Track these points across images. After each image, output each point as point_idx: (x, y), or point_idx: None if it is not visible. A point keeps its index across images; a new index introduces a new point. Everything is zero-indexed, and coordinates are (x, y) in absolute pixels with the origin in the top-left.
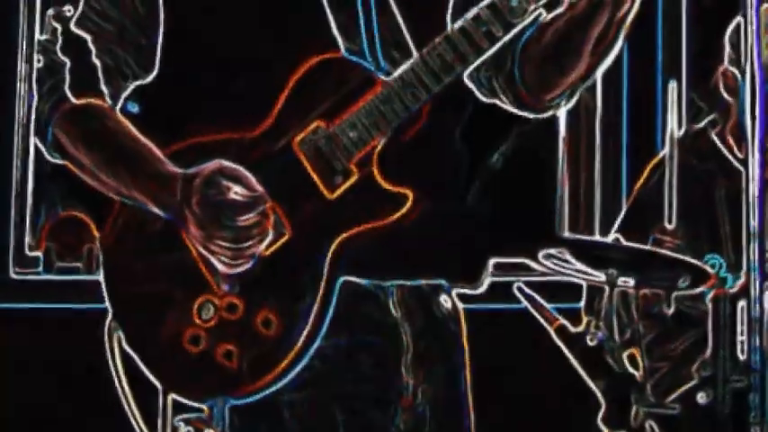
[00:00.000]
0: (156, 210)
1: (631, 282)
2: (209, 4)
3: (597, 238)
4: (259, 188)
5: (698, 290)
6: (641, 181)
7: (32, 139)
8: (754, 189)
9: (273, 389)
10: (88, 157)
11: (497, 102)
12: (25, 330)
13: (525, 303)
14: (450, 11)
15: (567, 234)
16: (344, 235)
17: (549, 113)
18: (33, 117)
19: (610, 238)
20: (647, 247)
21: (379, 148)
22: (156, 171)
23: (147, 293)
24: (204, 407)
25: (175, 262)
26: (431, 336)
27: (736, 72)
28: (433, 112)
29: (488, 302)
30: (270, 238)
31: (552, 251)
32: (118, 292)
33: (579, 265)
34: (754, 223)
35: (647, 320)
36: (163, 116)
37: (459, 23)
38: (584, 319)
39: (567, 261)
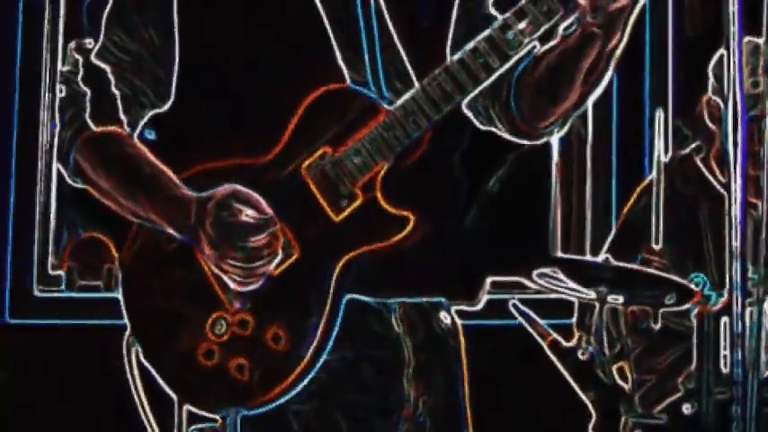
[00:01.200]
0: (171, 231)
1: (620, 299)
2: (223, 37)
3: (588, 257)
4: (269, 211)
5: (683, 307)
6: (630, 204)
7: (55, 165)
8: (736, 211)
9: (283, 400)
10: (108, 182)
11: (494, 129)
12: (49, 345)
13: (520, 319)
14: (449, 44)
15: (559, 254)
16: (350, 255)
17: (543, 140)
18: (56, 144)
19: (600, 258)
20: (636, 267)
21: (383, 172)
22: (172, 194)
23: (163, 310)
24: (217, 417)
25: (190, 280)
26: (431, 350)
27: (720, 101)
28: (434, 138)
29: (485, 318)
30: (279, 257)
31: (546, 270)
32: (136, 309)
33: (571, 284)
34: (737, 244)
35: (636, 335)
36: (178, 143)
37: (458, 55)
38: (576, 335)
39: (559, 279)
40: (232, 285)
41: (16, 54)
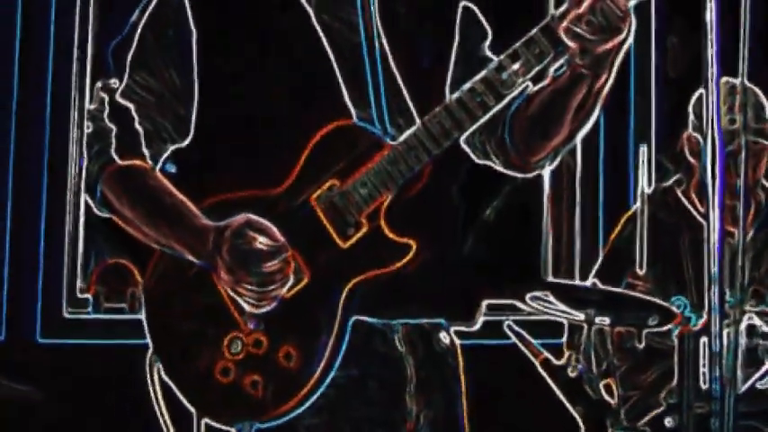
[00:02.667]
0: (191, 257)
1: (607, 320)
2: (239, 77)
3: (577, 282)
4: (281, 238)
5: (665, 327)
6: (616, 232)
7: (83, 196)
8: (714, 239)
9: (294, 414)
10: (132, 212)
11: (490, 163)
12: (77, 363)
13: (514, 339)
14: (448, 83)
15: (550, 278)
16: (356, 280)
17: (535, 173)
18: (84, 176)
19: (588, 283)
20: (621, 290)
21: (387, 203)
22: (192, 224)
23: (183, 330)
24: (233, 430)
25: (208, 303)
26: (431, 367)
27: (699, 137)
28: (434, 172)
29: (482, 338)
30: (291, 282)
31: (538, 293)
32: (158, 330)
33: (561, 306)
34: (715, 269)
35: (621, 354)
36: (197, 175)
37: (456, 95)
38: (566, 353)
39: (550, 302)
40: (247, 308)
41: (47, 93)
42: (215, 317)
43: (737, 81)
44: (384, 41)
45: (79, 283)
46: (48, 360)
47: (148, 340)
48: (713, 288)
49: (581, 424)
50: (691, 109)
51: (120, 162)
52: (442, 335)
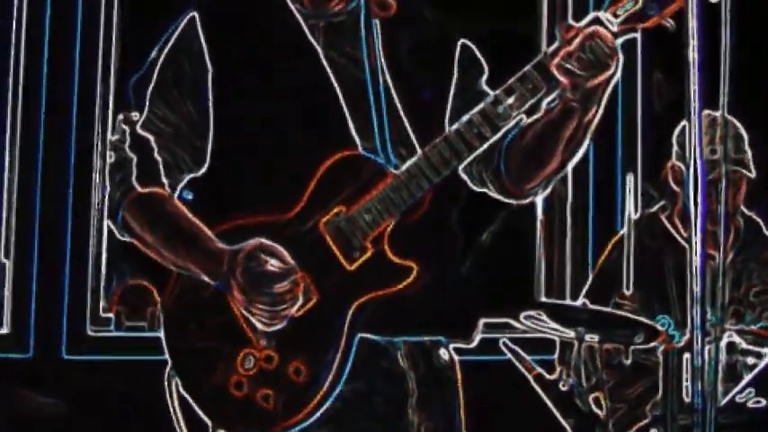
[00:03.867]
0: (206, 279)
1: (596, 338)
2: (251, 110)
3: (568, 302)
4: (291, 261)
5: (651, 345)
6: (604, 255)
7: (106, 222)
8: (696, 262)
9: (303, 425)
10: (151, 236)
11: (486, 190)
12: (100, 378)
13: (509, 356)
14: (447, 116)
15: (543, 299)
16: (361, 300)
17: (529, 200)
18: (107, 203)
19: (578, 302)
20: (609, 310)
21: (390, 228)
22: (207, 247)
23: (199, 347)
24: None
25: (222, 321)
26: (432, 382)
27: (682, 166)
28: (434, 198)
29: (479, 355)
30: (300, 302)
31: (531, 313)
32: (175, 346)
33: (553, 324)
34: (697, 290)
35: (609, 369)
36: (212, 202)
37: (455, 126)
38: (558, 369)
39: (543, 321)
40: (259, 326)
41: (72, 126)
42: (229, 334)
43: (718, 114)
44: (387, 77)
45: (102, 303)
46: (72, 375)
47: (167, 356)
48: (695, 307)
49: None
50: (674, 140)
51: (140, 190)
52: (442, 351)
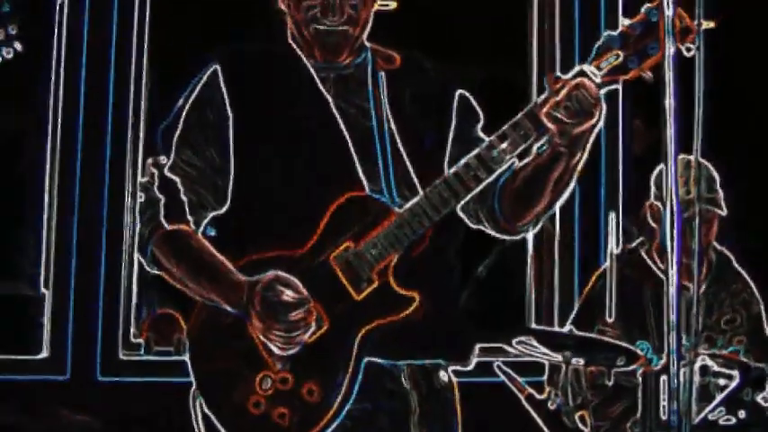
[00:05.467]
0: (227, 308)
1: (581, 361)
2: (268, 154)
3: (556, 328)
4: (305, 292)
5: (631, 367)
6: (589, 286)
7: (136, 256)
8: (672, 292)
9: None
10: (178, 269)
11: (482, 227)
12: (131, 397)
13: (503, 377)
14: (446, 160)
15: (533, 325)
16: (368, 327)
17: (520, 236)
18: (137, 239)
19: (565, 329)
20: (593, 336)
21: (394, 261)
22: (228, 279)
23: (221, 370)
24: None
25: (242, 346)
26: (432, 401)
27: (660, 205)
28: (434, 235)
29: (475, 377)
30: (313, 329)
31: (522, 338)
32: (200, 369)
33: (543, 349)
34: (673, 318)
35: (594, 390)
36: (233, 238)
37: (453, 169)
38: (547, 389)
39: (533, 346)
40: (276, 350)
41: (105, 169)
42: (248, 358)
43: (692, 158)
44: (392, 124)
45: (133, 330)
46: (106, 395)
47: (192, 378)
48: (671, 334)
49: None
50: (652, 181)
51: (167, 227)
52: (442, 373)
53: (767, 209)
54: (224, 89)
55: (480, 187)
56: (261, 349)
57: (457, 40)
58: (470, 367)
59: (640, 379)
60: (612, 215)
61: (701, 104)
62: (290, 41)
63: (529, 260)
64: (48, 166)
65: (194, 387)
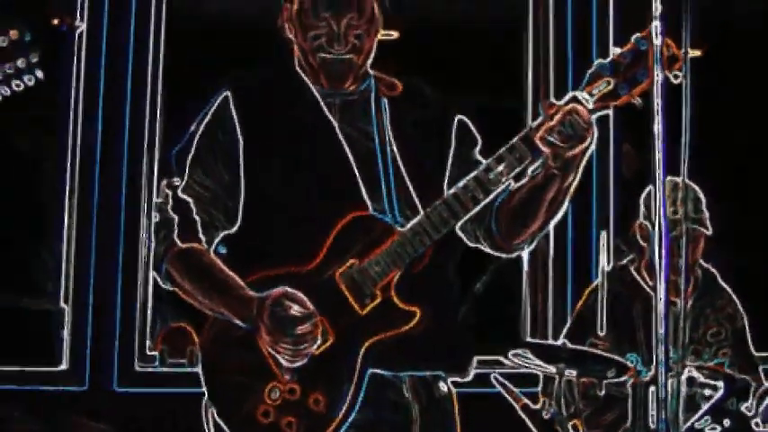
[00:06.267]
0: (238, 322)
1: (574, 373)
2: (276, 175)
3: (550, 341)
4: (311, 307)
5: (621, 379)
6: (581, 301)
7: (151, 273)
8: (660, 308)
9: None
10: (191, 285)
11: (480, 246)
12: (146, 407)
13: (500, 388)
14: (446, 181)
15: (528, 339)
16: (372, 340)
17: (516, 254)
18: (152, 257)
19: (559, 342)
20: (586, 349)
21: (396, 278)
22: (238, 295)
23: (232, 381)
24: None
25: (252, 358)
26: (433, 411)
27: (648, 225)
28: (435, 252)
29: (473, 387)
30: (319, 342)
31: (518, 351)
32: (211, 380)
33: (537, 361)
34: (661, 332)
35: (586, 400)
36: (243, 255)
37: (452, 191)
38: (542, 399)
39: (528, 358)
40: (284, 362)
41: (122, 190)
42: (257, 370)
43: (679, 180)
44: (394, 148)
45: (148, 343)
46: (122, 405)
47: (204, 389)
48: (660, 347)
49: None
50: (642, 202)
51: (181, 245)
52: (441, 384)
53: (750, 228)
54: (235, 114)
55: (478, 208)
56: (269, 361)
57: (456, 67)
58: (469, 378)
59: (630, 389)
60: (604, 234)
61: (688, 129)
62: (298, 69)
63: (524, 277)
64: (67, 188)
65: (206, 397)
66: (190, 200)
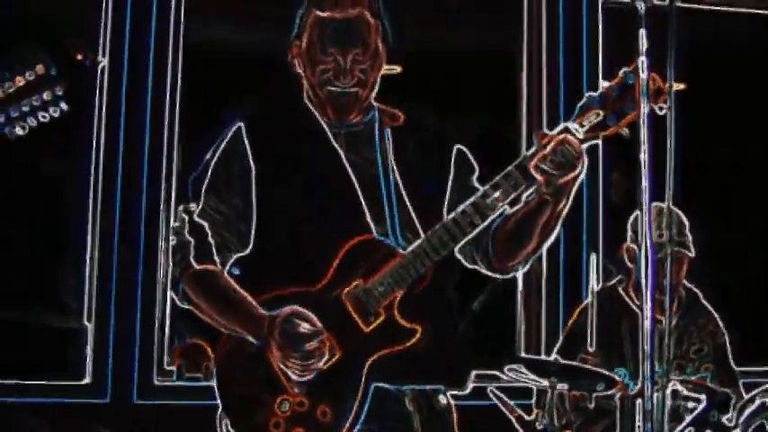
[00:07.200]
0: (250, 338)
1: (566, 386)
2: (286, 202)
3: (543, 357)
4: (319, 324)
5: (610, 392)
6: (572, 319)
7: (169, 292)
8: (647, 325)
9: None
10: (206, 304)
11: (477, 267)
12: (165, 419)
13: (496, 401)
14: (445, 207)
15: (523, 354)
16: (375, 356)
17: (511, 275)
18: (170, 278)
19: (551, 357)
20: (576, 364)
21: (399, 297)
22: (251, 313)
23: (244, 394)
24: None
25: (263, 373)
26: (433, 423)
27: (635, 247)
28: (435, 274)
29: (471, 400)
30: (326, 357)
31: (513, 366)
32: (225, 393)
33: (531, 375)
34: (647, 348)
35: (576, 412)
36: (256, 277)
37: (451, 215)
38: (535, 411)
39: (523, 372)
40: (293, 377)
41: (141, 214)
42: (269, 383)
43: (664, 205)
44: (397, 175)
45: (166, 358)
46: (142, 417)
47: (218, 401)
48: (646, 362)
49: None
50: (629, 226)
51: (196, 267)
52: (441, 397)
53: (731, 251)
54: (247, 143)
55: (476, 231)
56: (280, 375)
57: (455, 100)
58: (467, 391)
59: (618, 402)
60: (593, 256)
61: (673, 158)
62: (306, 101)
63: (519, 296)
64: (90, 213)
65: (220, 409)
66: (205, 224)
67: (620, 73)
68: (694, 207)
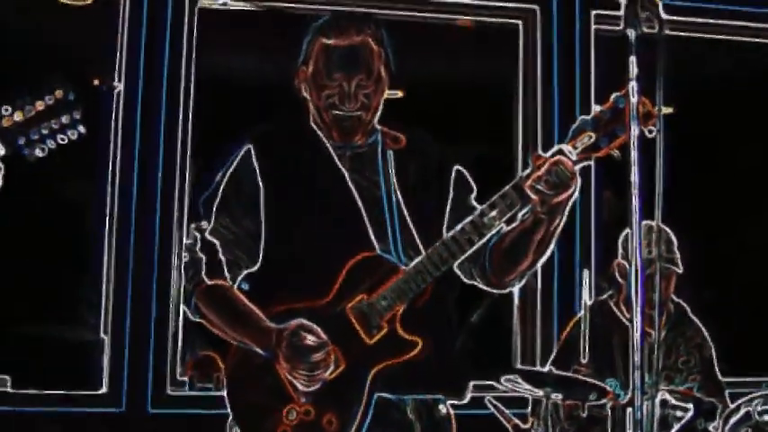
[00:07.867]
0: (259, 350)
1: (560, 396)
2: (293, 220)
3: (538, 368)
4: (325, 337)
5: (602, 401)
6: (566, 332)
7: (182, 307)
8: (637, 338)
9: None
10: (217, 318)
11: (475, 282)
12: (178, 428)
13: (493, 410)
14: (445, 225)
15: (519, 365)
16: (379, 367)
17: (508, 290)
18: (182, 293)
19: (546, 369)
20: (570, 374)
21: (401, 311)
22: (260, 326)
23: (253, 403)
24: None
25: (271, 383)
26: (434, 431)
27: (626, 264)
28: (435, 289)
29: (470, 409)
30: (331, 368)
31: (509, 376)
32: (235, 403)
33: (527, 386)
34: (637, 359)
35: (570, 420)
36: (264, 292)
37: (450, 233)
38: (530, 420)
39: (519, 383)
40: (300, 387)
41: (155, 232)
42: (276, 393)
43: (654, 223)
44: (399, 195)
45: (179, 369)
46: (156, 425)
47: (229, 410)
48: (636, 373)
49: None
50: (620, 243)
51: (208, 282)
52: (441, 406)
53: (718, 267)
54: (256, 165)
55: (474, 249)
56: (287, 386)
57: (454, 123)
58: (465, 401)
59: (610, 411)
60: (586, 272)
61: (661, 178)
62: (312, 124)
63: (515, 310)
64: (106, 231)
65: (231, 418)
66: (216, 242)
67: (612, 97)
68: (682, 226)
